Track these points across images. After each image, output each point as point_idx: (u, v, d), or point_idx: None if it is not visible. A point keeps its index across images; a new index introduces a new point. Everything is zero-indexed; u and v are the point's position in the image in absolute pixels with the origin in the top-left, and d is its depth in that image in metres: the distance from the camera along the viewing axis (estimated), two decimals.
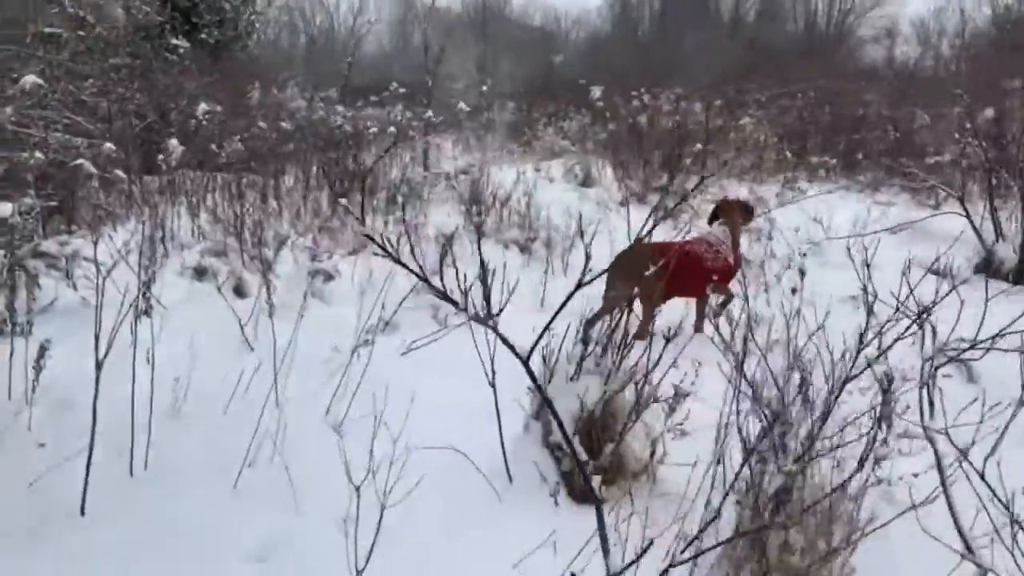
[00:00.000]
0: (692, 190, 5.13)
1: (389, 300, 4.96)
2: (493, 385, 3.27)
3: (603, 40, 35.82)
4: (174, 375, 3.91)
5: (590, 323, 5.29)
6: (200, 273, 5.32)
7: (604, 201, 9.82)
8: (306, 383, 4.12)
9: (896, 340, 2.81)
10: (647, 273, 5.20)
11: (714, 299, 5.51)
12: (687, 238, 5.50)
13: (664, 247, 5.46)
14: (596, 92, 11.83)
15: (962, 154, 7.65)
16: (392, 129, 9.20)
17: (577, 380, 3.27)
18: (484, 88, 15.04)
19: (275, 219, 7.01)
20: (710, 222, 5.63)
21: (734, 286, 5.47)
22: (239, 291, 5.24)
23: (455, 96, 14.66)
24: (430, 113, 10.53)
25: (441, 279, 2.72)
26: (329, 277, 4.88)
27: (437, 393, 4.16)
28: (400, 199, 7.46)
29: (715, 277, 5.27)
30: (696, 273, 5.24)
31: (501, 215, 7.24)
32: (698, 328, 5.47)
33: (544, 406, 3.38)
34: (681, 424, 3.27)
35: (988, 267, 6.35)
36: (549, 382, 3.34)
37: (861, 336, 2.73)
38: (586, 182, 11.71)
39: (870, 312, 2.92)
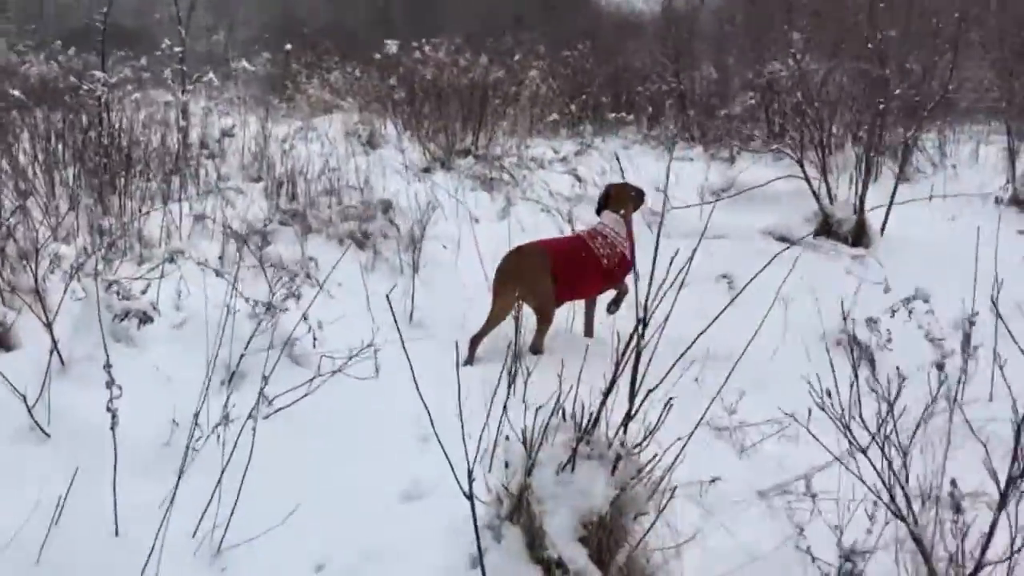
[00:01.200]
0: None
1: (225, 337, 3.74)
2: (471, 496, 2.31)
3: None
4: None
5: (476, 340, 4.42)
6: None
7: (401, 167, 8.77)
8: (145, 486, 2.89)
9: None
10: (538, 277, 4.50)
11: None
12: (576, 231, 4.76)
13: (555, 245, 4.66)
14: (392, 46, 10.59)
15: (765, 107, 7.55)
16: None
17: (573, 471, 2.41)
18: (220, 36, 13.19)
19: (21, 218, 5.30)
20: (598, 211, 4.90)
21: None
22: None
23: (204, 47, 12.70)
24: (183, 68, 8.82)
25: None
26: (146, 319, 3.55)
27: (341, 477, 3.12)
28: (191, 178, 6.02)
29: (612, 273, 4.58)
30: (593, 271, 4.51)
31: (309, 195, 6.02)
32: (589, 332, 4.76)
33: (523, 502, 2.49)
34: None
35: (828, 229, 6.22)
36: (530, 472, 2.45)
37: None
38: (371, 142, 10.54)
39: None
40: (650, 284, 2.46)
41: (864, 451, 2.33)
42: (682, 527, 2.66)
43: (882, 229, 6.13)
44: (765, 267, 2.79)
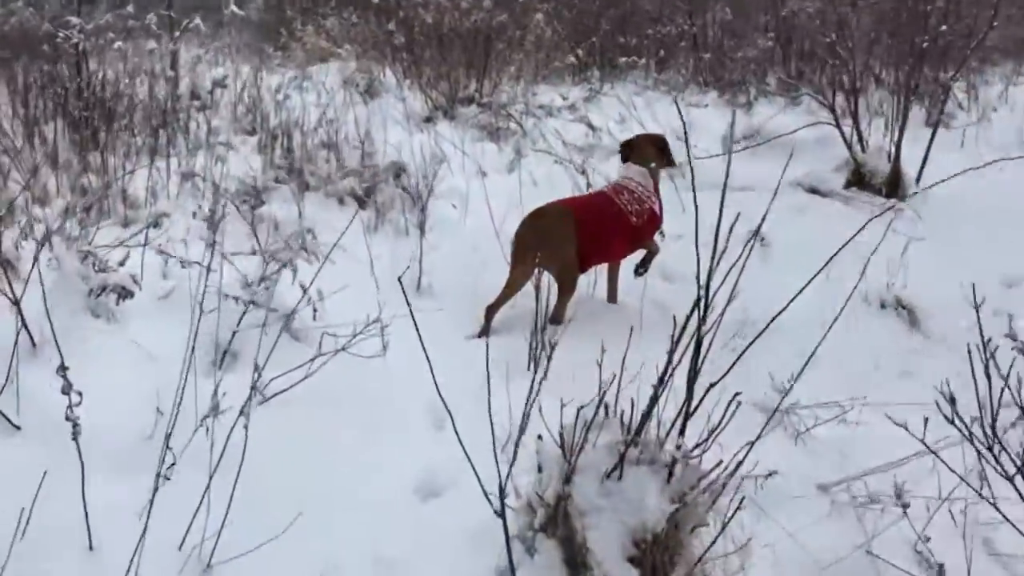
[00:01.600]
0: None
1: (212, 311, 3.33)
2: (502, 514, 1.94)
3: None
4: None
5: (491, 310, 4.04)
6: None
7: (402, 117, 8.28)
8: (123, 489, 2.52)
9: None
10: (561, 242, 4.09)
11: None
12: (598, 188, 4.34)
13: (579, 204, 4.24)
14: None
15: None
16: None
17: (620, 479, 2.04)
18: None
19: None
20: (623, 161, 4.46)
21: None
22: None
23: None
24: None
25: None
26: (126, 294, 3.15)
27: (347, 471, 2.75)
28: (181, 132, 5.56)
29: (641, 232, 4.17)
30: (621, 231, 4.09)
31: (306, 149, 5.56)
32: (612, 298, 4.36)
33: (559, 513, 2.12)
34: None
35: (860, 180, 5.77)
36: (568, 480, 2.08)
37: None
38: (370, 91, 10.02)
39: None
40: (713, 255, 2.05)
41: (1011, 479, 1.94)
42: (736, 528, 2.30)
43: (918, 179, 5.69)
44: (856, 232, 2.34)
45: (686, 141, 5.40)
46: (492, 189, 5.50)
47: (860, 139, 5.89)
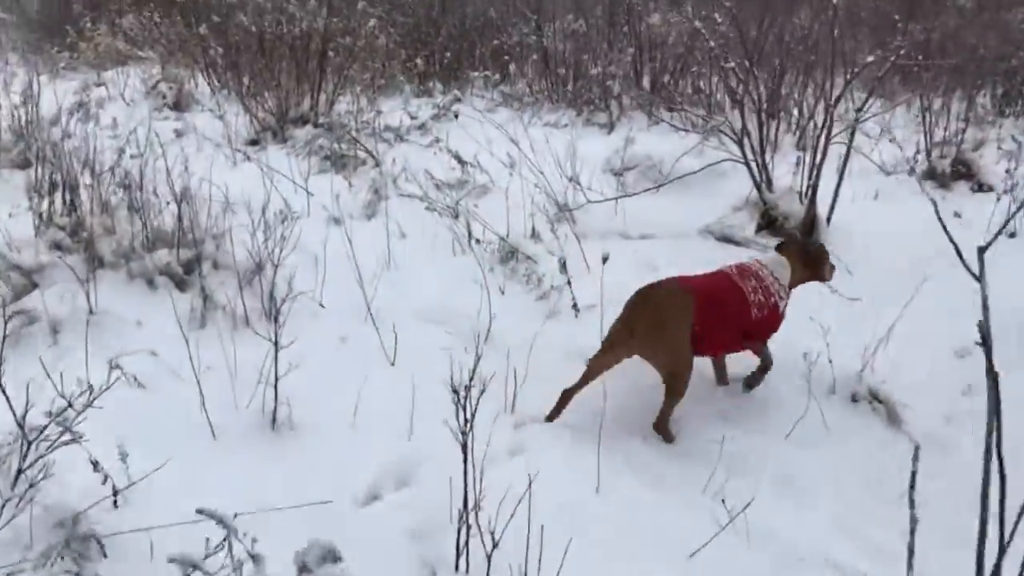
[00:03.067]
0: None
1: None
2: None
3: None
4: None
5: (568, 393, 2.98)
6: None
7: (221, 139, 6.74)
8: None
9: None
10: (677, 330, 3.04)
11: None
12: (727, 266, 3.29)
13: (699, 285, 3.17)
14: None
15: None
16: None
17: None
18: None
19: None
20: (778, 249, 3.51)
21: None
22: None
23: None
24: None
25: None
26: None
27: None
28: None
29: (758, 329, 3.29)
30: (736, 322, 3.21)
31: (99, 200, 4.00)
32: (723, 378, 3.46)
33: None
34: None
35: (771, 223, 4.97)
36: None
37: None
38: (179, 104, 8.34)
39: None
40: None
41: None
42: None
43: (828, 218, 4.97)
44: None
45: (577, 181, 4.32)
46: (353, 243, 4.24)
47: (766, 175, 5.10)
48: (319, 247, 4.12)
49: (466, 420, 2.22)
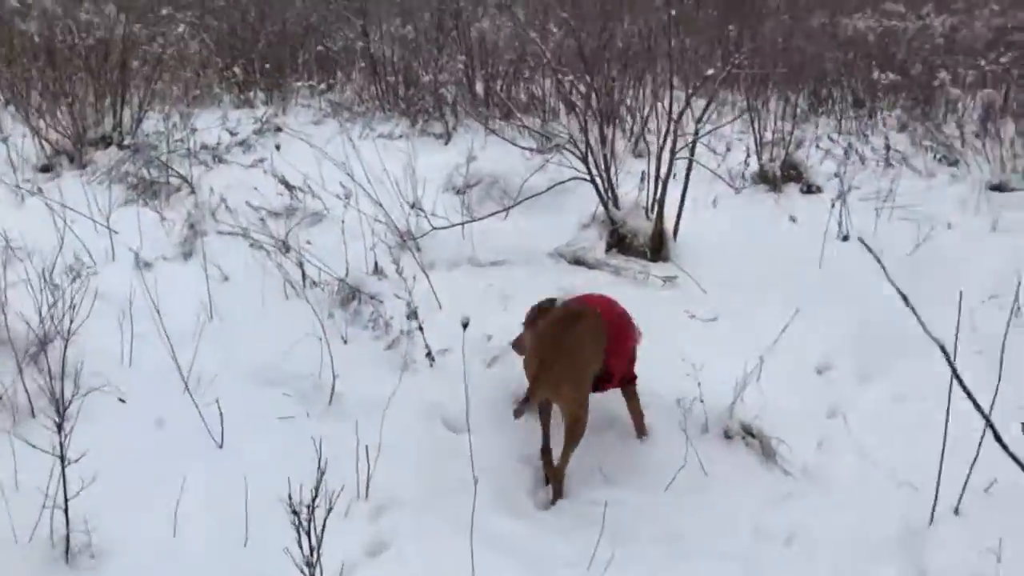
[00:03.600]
0: None
1: None
2: None
3: None
4: None
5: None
6: None
7: (4, 166, 5.80)
8: None
9: None
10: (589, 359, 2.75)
11: None
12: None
13: (605, 306, 2.83)
14: None
15: None
16: None
17: None
18: None
19: None
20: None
21: None
22: None
23: None
24: None
25: None
26: None
27: None
28: None
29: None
30: (629, 354, 2.98)
31: None
32: (642, 429, 3.15)
33: None
34: None
35: (621, 241, 4.76)
36: None
37: None
38: None
39: None
40: None
41: None
42: None
43: (675, 232, 4.83)
44: None
45: (420, 207, 3.96)
46: (165, 293, 3.63)
47: (613, 194, 4.88)
48: (125, 301, 3.49)
49: (311, 548, 1.77)
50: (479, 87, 8.09)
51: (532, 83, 7.75)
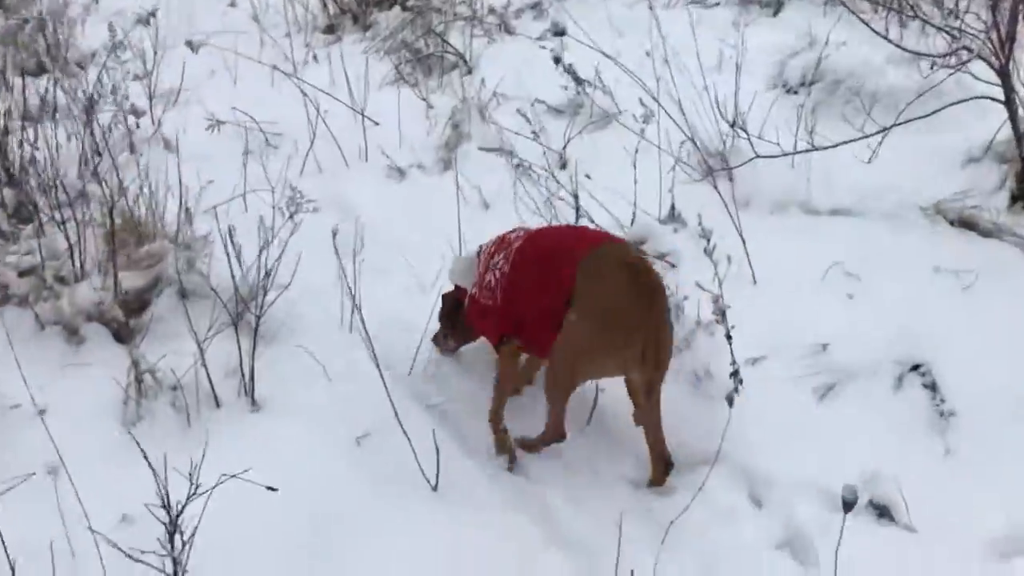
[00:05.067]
0: None
1: None
2: None
3: None
4: None
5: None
6: None
7: (289, 28, 5.27)
8: None
9: None
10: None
11: None
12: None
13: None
14: None
15: None
16: None
17: None
18: None
19: None
20: None
21: None
22: None
23: None
24: None
25: None
26: None
27: None
28: None
29: None
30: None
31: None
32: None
33: None
34: None
35: None
36: None
37: None
38: None
39: None
40: None
41: None
42: None
43: None
44: None
45: (742, 127, 2.93)
46: (415, 218, 2.83)
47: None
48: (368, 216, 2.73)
49: None
50: None
51: None
